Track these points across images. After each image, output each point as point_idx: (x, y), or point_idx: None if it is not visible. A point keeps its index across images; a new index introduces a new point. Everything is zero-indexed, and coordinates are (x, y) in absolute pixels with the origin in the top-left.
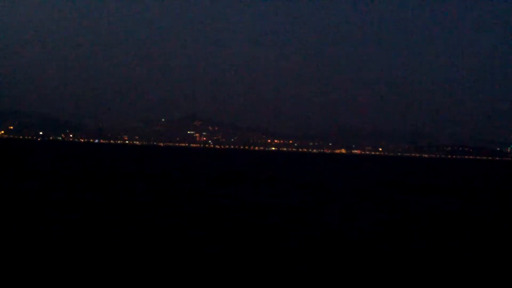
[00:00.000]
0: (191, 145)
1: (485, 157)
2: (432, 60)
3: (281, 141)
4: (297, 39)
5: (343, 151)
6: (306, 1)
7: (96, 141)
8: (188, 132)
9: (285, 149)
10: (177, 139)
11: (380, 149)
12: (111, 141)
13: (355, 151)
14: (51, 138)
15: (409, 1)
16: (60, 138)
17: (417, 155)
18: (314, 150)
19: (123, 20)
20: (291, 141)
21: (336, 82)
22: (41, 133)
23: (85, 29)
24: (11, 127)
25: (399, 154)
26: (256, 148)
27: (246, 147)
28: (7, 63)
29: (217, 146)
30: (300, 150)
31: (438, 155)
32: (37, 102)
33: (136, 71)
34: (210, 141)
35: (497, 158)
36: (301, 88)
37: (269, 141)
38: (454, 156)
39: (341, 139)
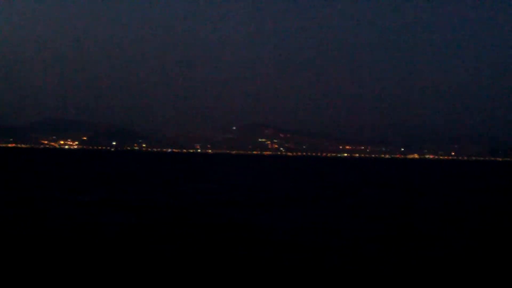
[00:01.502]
0: (264, 152)
1: None
2: (503, 63)
3: (353, 147)
4: (363, 44)
5: (416, 156)
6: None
7: (169, 150)
8: (259, 139)
9: (357, 155)
10: (249, 147)
11: (453, 153)
12: (184, 150)
13: (428, 155)
14: (128, 148)
15: None
16: (137, 148)
17: (492, 158)
18: (387, 156)
19: (191, 28)
20: (362, 147)
21: (408, 86)
22: (114, 143)
23: (155, 41)
24: (85, 138)
25: (473, 158)
26: (328, 154)
27: (319, 154)
28: (80, 75)
29: (289, 154)
30: (373, 156)
31: None
32: (109, 112)
33: (206, 79)
34: (281, 148)
35: None
36: (372, 93)
37: (340, 147)
38: None
39: (413, 144)
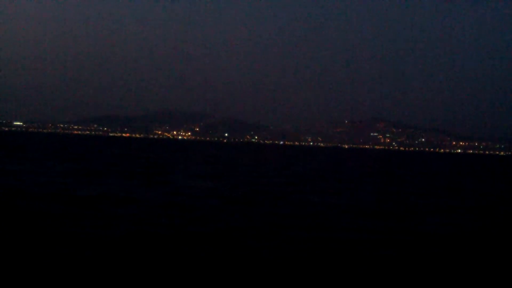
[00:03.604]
0: (375, 147)
1: None
2: None
3: (466, 143)
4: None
5: None
6: None
7: (281, 142)
8: (371, 134)
9: (470, 151)
10: (361, 140)
11: None
12: (295, 143)
13: None
14: (243, 140)
15: None
16: (255, 139)
17: None
18: (501, 153)
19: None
20: (476, 143)
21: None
22: (226, 134)
23: (272, 38)
24: (197, 129)
25: None
26: (441, 150)
27: (431, 149)
28: (192, 68)
29: (401, 148)
30: (487, 152)
31: None
32: (221, 104)
33: (318, 73)
34: (394, 143)
35: None
36: (487, 89)
37: (453, 143)
38: None
39: None
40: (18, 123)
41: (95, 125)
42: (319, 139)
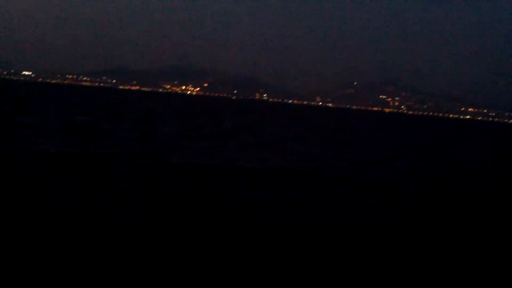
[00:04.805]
0: (384, 110)
1: None
2: None
3: (476, 110)
4: None
5: None
6: None
7: (290, 101)
8: (380, 96)
9: (480, 118)
10: (370, 103)
11: None
12: (304, 102)
13: None
14: (252, 97)
15: None
16: (265, 97)
17: None
18: (511, 121)
19: None
20: (485, 111)
21: None
22: (235, 91)
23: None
24: (206, 85)
25: None
26: (450, 115)
27: (440, 115)
28: (207, 24)
29: (410, 112)
30: (496, 120)
31: None
32: (231, 62)
33: (330, 35)
34: (403, 107)
35: None
36: (498, 57)
37: (463, 109)
38: None
39: None
40: (27, 73)
41: (104, 77)
42: (328, 99)
